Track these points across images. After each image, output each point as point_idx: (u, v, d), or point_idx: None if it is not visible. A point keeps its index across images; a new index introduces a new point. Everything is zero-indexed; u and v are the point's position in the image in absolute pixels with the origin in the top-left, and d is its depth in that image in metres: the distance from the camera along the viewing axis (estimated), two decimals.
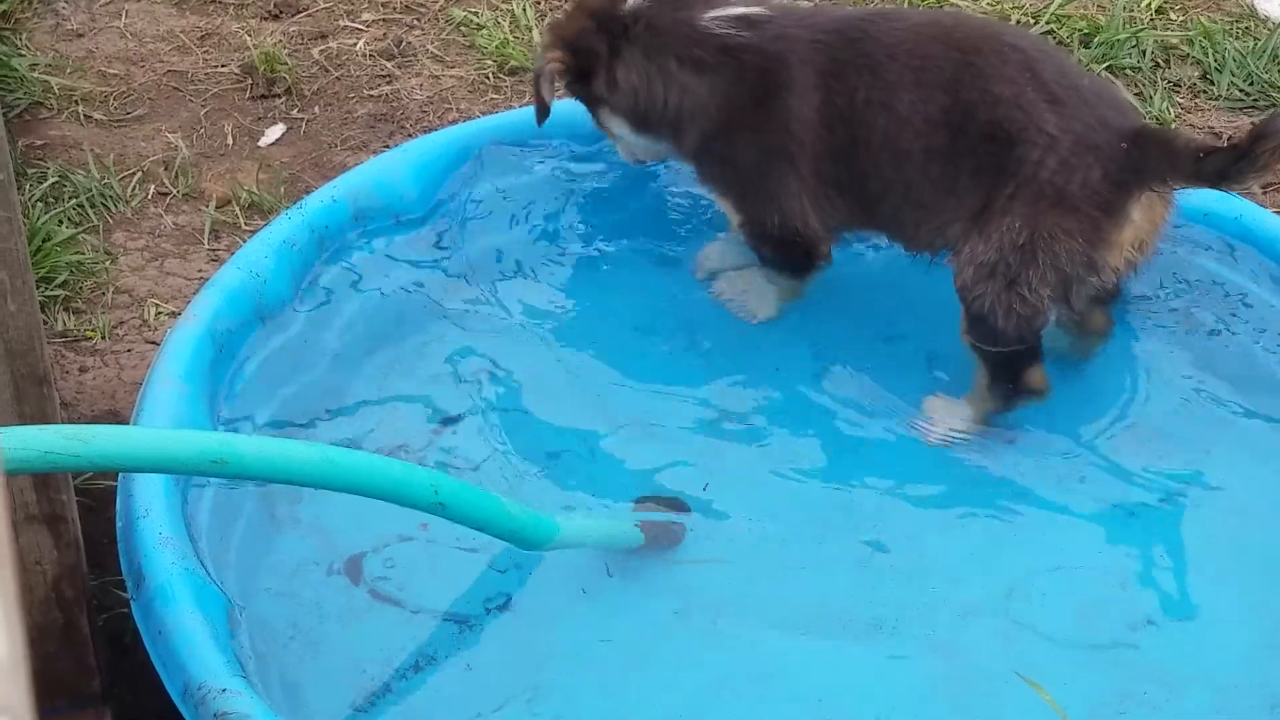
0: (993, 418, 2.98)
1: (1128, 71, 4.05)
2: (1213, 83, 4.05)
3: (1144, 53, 4.09)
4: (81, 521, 2.62)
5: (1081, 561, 2.79)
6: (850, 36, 2.92)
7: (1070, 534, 2.84)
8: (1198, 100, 4.02)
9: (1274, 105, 3.98)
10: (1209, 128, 3.94)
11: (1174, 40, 4.14)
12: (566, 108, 3.31)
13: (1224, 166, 2.70)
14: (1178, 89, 4.04)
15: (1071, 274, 2.80)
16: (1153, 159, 2.77)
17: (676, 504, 2.81)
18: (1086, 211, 2.76)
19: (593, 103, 3.09)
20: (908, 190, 2.88)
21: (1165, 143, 2.81)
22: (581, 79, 3.05)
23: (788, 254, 3.09)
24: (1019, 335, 2.86)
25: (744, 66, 2.96)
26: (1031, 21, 4.18)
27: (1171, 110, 3.95)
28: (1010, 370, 2.93)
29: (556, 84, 3.07)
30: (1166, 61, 4.11)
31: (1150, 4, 4.24)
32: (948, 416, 2.98)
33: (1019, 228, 2.77)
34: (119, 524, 2.56)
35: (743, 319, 3.17)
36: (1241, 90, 4.03)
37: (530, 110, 3.25)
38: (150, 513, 2.51)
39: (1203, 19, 4.20)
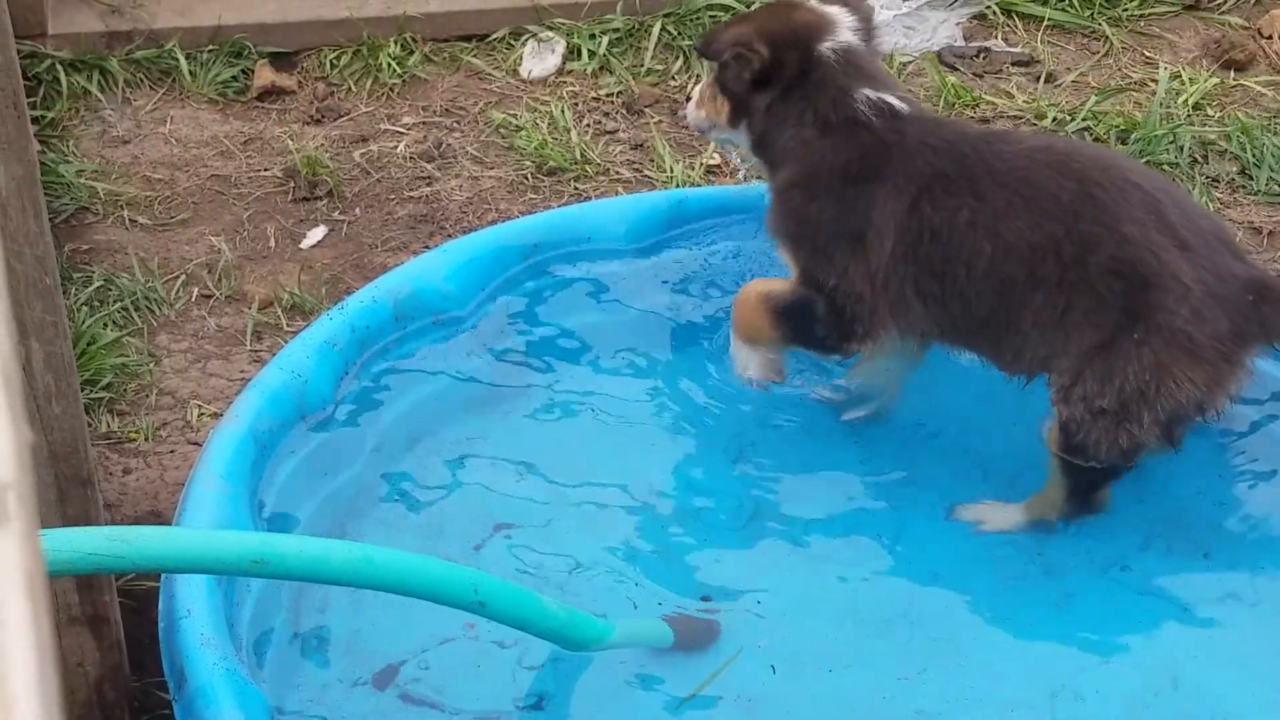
0: (1049, 523, 2.96)
1: (1165, 167, 4.06)
2: (1251, 178, 4.05)
3: (1182, 149, 4.09)
4: (124, 623, 2.63)
5: (1130, 659, 2.75)
6: (960, 153, 2.88)
7: (1119, 631, 2.80)
8: (1236, 195, 4.02)
9: None
10: (1248, 222, 3.94)
11: (1211, 136, 4.15)
12: (616, 208, 3.34)
13: None
14: (1216, 184, 4.04)
15: (1184, 415, 2.81)
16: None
17: (710, 625, 2.78)
18: (1212, 361, 2.75)
19: (740, 105, 3.05)
20: (1009, 315, 2.84)
21: None
22: (757, 82, 3.01)
23: (836, 320, 2.99)
24: (1115, 463, 2.86)
25: (854, 142, 2.94)
26: (1068, 118, 4.20)
27: (1210, 205, 3.95)
28: (1093, 487, 2.92)
29: (744, 75, 3.01)
30: (1204, 157, 4.12)
31: (1187, 100, 4.26)
32: (996, 519, 2.96)
33: (1148, 377, 2.75)
34: (161, 625, 2.56)
35: (743, 381, 3.15)
36: None
37: (567, 210, 3.29)
38: (192, 613, 2.51)
39: (1240, 115, 4.21)
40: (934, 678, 2.71)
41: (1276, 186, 4.02)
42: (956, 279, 2.85)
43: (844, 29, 3.02)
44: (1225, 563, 2.91)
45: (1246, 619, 2.83)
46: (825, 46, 2.99)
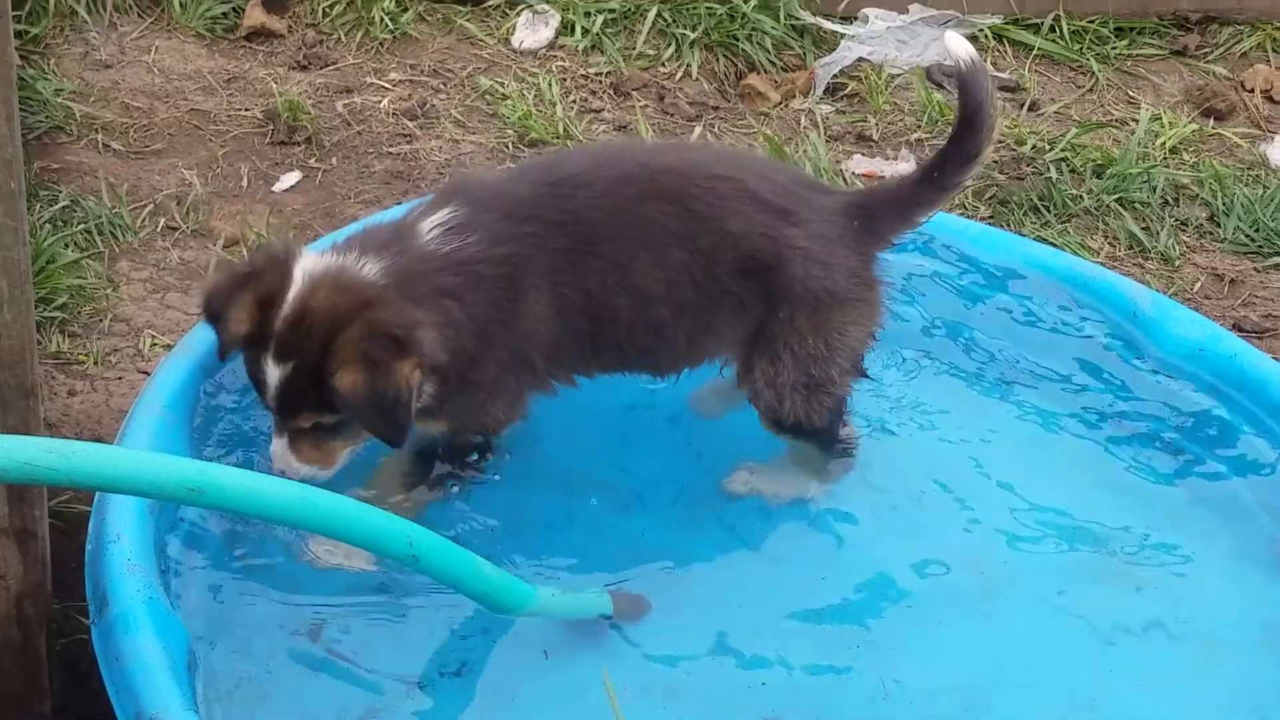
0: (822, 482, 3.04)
1: (1137, 205, 4.09)
2: (1219, 225, 4.08)
3: (1154, 189, 4.13)
4: (52, 543, 2.61)
5: (1048, 681, 2.76)
6: (556, 221, 2.76)
7: (1041, 653, 2.82)
8: (1203, 241, 4.05)
9: (1278, 254, 4.01)
10: (1211, 268, 3.97)
11: (1185, 180, 4.18)
12: None
13: (943, 172, 2.87)
14: (1184, 228, 4.07)
15: (861, 351, 2.94)
16: (886, 218, 2.90)
17: (639, 600, 2.80)
18: (859, 298, 2.87)
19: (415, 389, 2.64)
20: (665, 346, 2.89)
21: (888, 198, 2.93)
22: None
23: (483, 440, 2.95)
24: (832, 420, 2.96)
25: (484, 279, 2.72)
26: (1047, 147, 4.22)
27: (1177, 248, 3.98)
28: (833, 434, 3.00)
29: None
30: (1176, 200, 4.15)
31: (1165, 143, 4.29)
32: (764, 483, 3.02)
33: (811, 341, 2.85)
34: (89, 547, 2.55)
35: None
36: (1247, 235, 4.06)
37: None
38: (122, 538, 2.50)
39: (1215, 162, 4.24)
40: (858, 672, 2.72)
41: (1243, 237, 4.06)
42: (604, 335, 2.84)
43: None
44: (1156, 596, 2.93)
45: (1169, 651, 2.85)
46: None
